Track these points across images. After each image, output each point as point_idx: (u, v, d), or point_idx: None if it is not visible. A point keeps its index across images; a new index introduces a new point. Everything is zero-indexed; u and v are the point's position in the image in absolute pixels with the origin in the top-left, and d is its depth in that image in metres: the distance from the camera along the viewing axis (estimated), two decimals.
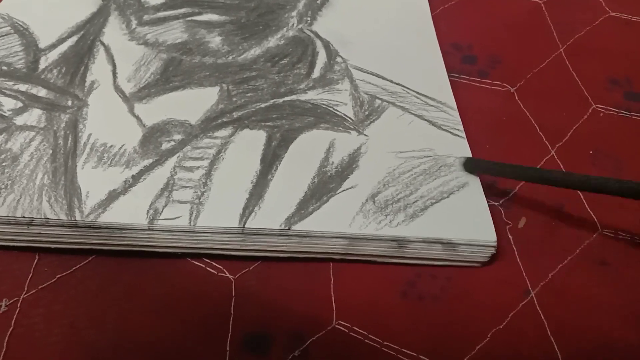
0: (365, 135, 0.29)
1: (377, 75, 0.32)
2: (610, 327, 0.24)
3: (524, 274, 0.25)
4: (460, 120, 0.30)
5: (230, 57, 0.32)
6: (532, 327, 0.23)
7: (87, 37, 0.32)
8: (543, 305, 0.24)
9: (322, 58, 0.33)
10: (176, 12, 0.34)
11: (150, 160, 0.27)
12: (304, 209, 0.25)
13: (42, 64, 0.31)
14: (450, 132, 0.29)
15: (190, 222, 0.24)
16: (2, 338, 0.22)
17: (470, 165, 0.27)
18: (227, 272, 0.25)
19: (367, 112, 0.30)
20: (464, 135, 0.29)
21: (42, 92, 0.29)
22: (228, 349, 0.22)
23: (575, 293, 0.25)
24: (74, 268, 0.24)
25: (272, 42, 0.33)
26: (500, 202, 0.28)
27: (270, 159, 0.27)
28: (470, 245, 0.25)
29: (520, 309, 0.24)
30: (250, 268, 0.25)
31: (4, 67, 0.30)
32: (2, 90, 0.29)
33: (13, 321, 0.22)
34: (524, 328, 0.23)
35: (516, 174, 0.25)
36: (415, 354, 0.22)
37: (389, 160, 0.28)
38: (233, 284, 0.24)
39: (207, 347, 0.22)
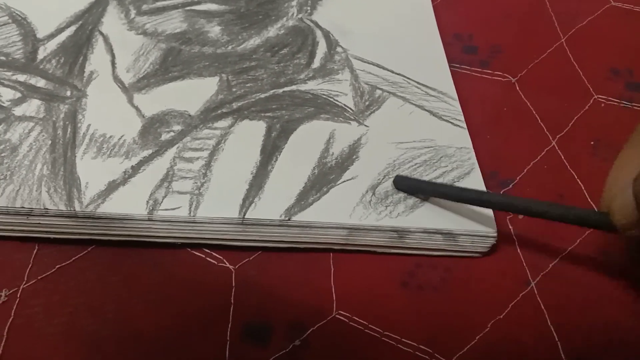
0: (365, 125, 0.29)
1: (378, 66, 0.32)
2: (611, 317, 0.24)
3: (524, 265, 0.25)
4: (461, 110, 0.30)
5: (230, 47, 0.32)
6: (532, 317, 0.24)
7: (86, 26, 0.32)
8: (543, 295, 0.24)
9: (322, 48, 0.33)
10: (175, 1, 0.34)
11: (150, 151, 0.26)
12: (304, 199, 0.25)
13: (41, 54, 0.30)
14: (451, 123, 0.29)
15: (190, 213, 0.24)
16: (2, 328, 0.22)
17: (399, 183, 0.26)
18: (227, 262, 0.25)
19: (367, 103, 0.30)
20: (464, 125, 0.29)
21: (40, 83, 0.29)
22: (228, 339, 0.22)
23: (575, 283, 0.25)
24: (73, 258, 0.24)
25: (272, 31, 0.33)
26: (501, 192, 0.28)
27: (270, 150, 0.27)
28: (470, 235, 0.25)
29: (521, 299, 0.24)
30: (251, 258, 0.25)
31: (2, 57, 0.30)
32: (0, 80, 0.29)
33: (13, 311, 0.22)
34: (524, 318, 0.23)
35: (441, 193, 0.25)
36: (415, 344, 0.23)
37: (389, 151, 0.28)
38: (233, 274, 0.24)
39: (207, 337, 0.22)
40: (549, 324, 0.23)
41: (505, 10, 0.38)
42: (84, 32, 0.32)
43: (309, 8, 0.35)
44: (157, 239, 0.24)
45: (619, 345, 0.23)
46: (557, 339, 0.23)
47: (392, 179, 0.26)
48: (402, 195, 0.26)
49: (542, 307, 0.24)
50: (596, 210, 0.22)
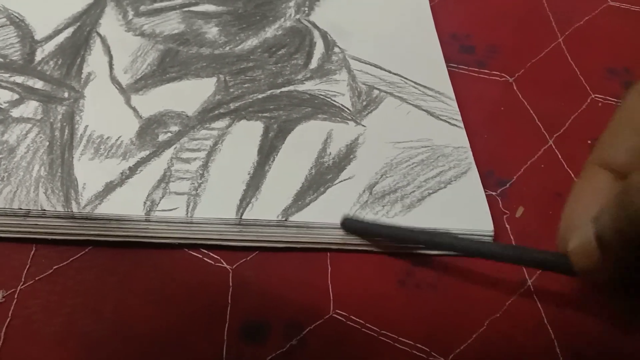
0: (362, 125, 0.29)
1: (375, 66, 0.32)
2: (607, 315, 0.24)
3: None
4: (458, 110, 0.30)
5: (228, 48, 0.32)
6: (529, 316, 0.24)
7: (84, 28, 0.32)
8: (540, 293, 0.24)
9: (319, 48, 0.33)
10: (173, 2, 0.34)
11: (147, 152, 0.26)
12: (301, 200, 0.25)
13: (39, 56, 0.30)
14: (448, 122, 0.29)
15: (187, 214, 0.24)
16: None
17: (346, 225, 0.25)
18: (224, 263, 0.25)
19: (364, 103, 0.30)
20: (462, 125, 0.29)
21: (38, 84, 0.29)
22: (226, 338, 0.22)
23: (571, 282, 0.25)
24: (71, 259, 0.24)
25: (270, 32, 0.33)
26: (498, 191, 0.28)
27: (268, 150, 0.27)
28: (467, 234, 0.25)
29: (517, 298, 0.24)
30: (248, 258, 0.25)
31: (0, 59, 0.30)
32: None
33: (10, 312, 0.22)
34: (521, 316, 0.23)
35: (391, 235, 0.24)
36: (412, 343, 0.23)
37: (386, 151, 0.28)
38: (230, 274, 0.24)
39: (205, 337, 0.22)
40: (546, 322, 0.23)
41: (502, 10, 0.38)
42: (81, 34, 0.32)
43: (306, 9, 0.35)
44: (155, 240, 0.24)
45: (615, 343, 0.23)
46: (553, 337, 0.23)
47: (390, 178, 0.26)
48: (399, 194, 0.26)
49: (539, 306, 0.24)
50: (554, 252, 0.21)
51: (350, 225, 0.25)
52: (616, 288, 0.22)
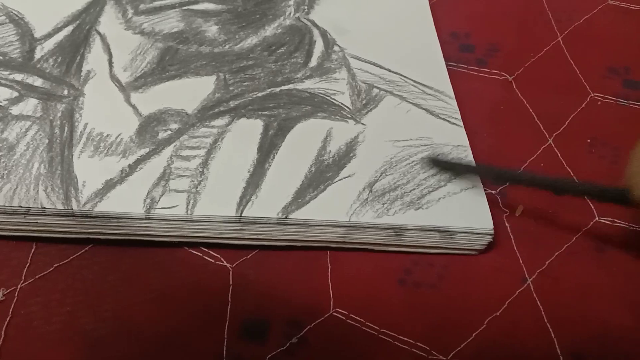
0: (362, 124, 0.29)
1: (375, 64, 0.32)
2: (607, 314, 0.24)
3: (521, 262, 0.25)
4: (457, 108, 0.30)
5: (227, 46, 0.32)
6: (529, 315, 0.24)
7: (83, 26, 0.32)
8: (540, 292, 0.24)
9: (319, 47, 0.33)
10: (172, 1, 0.34)
11: (147, 150, 0.26)
12: (301, 197, 0.25)
13: (38, 54, 0.30)
14: (447, 121, 0.29)
15: (187, 211, 0.24)
16: (0, 327, 0.22)
17: (436, 162, 0.27)
18: (224, 261, 0.25)
19: (364, 101, 0.30)
20: (461, 123, 0.29)
21: (38, 82, 0.29)
22: (226, 336, 0.22)
23: (571, 280, 0.25)
24: (71, 257, 0.24)
25: (269, 31, 0.33)
26: (498, 190, 0.28)
27: (267, 148, 0.27)
28: (467, 233, 0.25)
29: (517, 297, 0.24)
30: (248, 257, 0.25)
31: (0, 57, 0.30)
32: None
33: (11, 310, 0.23)
34: (521, 315, 0.24)
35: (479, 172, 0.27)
36: (412, 341, 0.23)
37: (386, 149, 0.28)
38: (230, 273, 0.24)
39: (205, 335, 0.22)
40: (546, 320, 0.23)
41: (502, 9, 0.38)
42: (81, 32, 0.32)
43: (306, 7, 0.35)
44: (155, 238, 0.25)
45: (615, 341, 0.23)
46: (553, 336, 0.23)
47: (389, 176, 0.26)
48: (398, 192, 0.26)
49: (539, 304, 0.24)
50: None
51: (439, 162, 0.27)
52: None
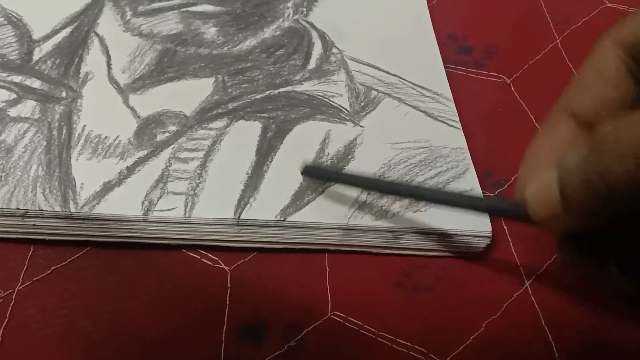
0: (361, 126, 0.29)
1: (373, 67, 0.32)
2: (604, 317, 0.24)
3: (519, 265, 0.25)
4: (456, 111, 0.30)
5: (226, 48, 0.32)
6: (527, 318, 0.24)
7: (82, 28, 0.32)
8: (537, 295, 0.24)
9: (317, 49, 0.33)
10: (171, 2, 0.34)
11: (145, 152, 0.26)
12: (299, 200, 0.25)
13: (36, 55, 0.30)
14: (446, 123, 0.29)
15: (185, 214, 0.24)
16: None
17: (306, 171, 0.26)
18: (222, 263, 0.25)
19: (363, 104, 0.30)
20: (459, 126, 0.29)
21: (36, 84, 0.29)
22: (224, 339, 0.22)
23: (569, 284, 0.25)
24: (69, 259, 0.24)
25: (268, 33, 0.33)
26: (496, 192, 0.28)
27: (266, 150, 0.27)
28: (465, 236, 0.25)
29: (515, 299, 0.24)
30: (246, 259, 0.25)
31: None
32: None
33: (8, 313, 0.22)
34: (519, 318, 0.24)
35: (351, 181, 0.25)
36: (410, 344, 0.23)
37: (384, 152, 0.28)
38: (229, 275, 0.24)
39: (203, 338, 0.22)
40: (543, 324, 0.23)
41: (500, 11, 0.38)
42: (79, 33, 0.32)
43: (304, 9, 0.35)
44: (153, 241, 0.24)
45: (612, 345, 0.23)
46: (551, 339, 0.23)
47: (388, 179, 0.26)
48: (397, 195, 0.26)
49: (537, 307, 0.24)
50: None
51: (310, 171, 0.26)
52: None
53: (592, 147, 0.15)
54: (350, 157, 0.27)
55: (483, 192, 0.27)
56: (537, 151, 0.19)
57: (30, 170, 0.25)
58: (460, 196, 0.22)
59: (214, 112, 0.29)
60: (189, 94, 0.29)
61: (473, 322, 0.23)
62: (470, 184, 0.27)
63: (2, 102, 0.28)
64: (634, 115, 0.15)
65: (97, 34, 0.32)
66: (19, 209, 0.24)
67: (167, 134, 0.27)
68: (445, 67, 0.33)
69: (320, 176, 0.26)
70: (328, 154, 0.27)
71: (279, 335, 0.23)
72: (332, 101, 0.30)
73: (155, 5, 0.34)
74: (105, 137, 0.27)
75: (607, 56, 0.19)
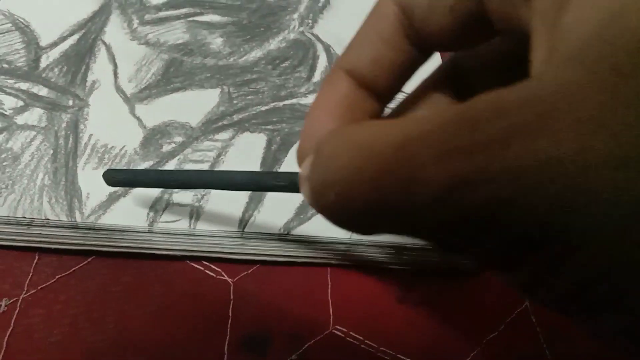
0: None
1: None
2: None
3: None
4: None
5: (232, 59, 0.32)
6: (526, 335, 0.24)
7: (89, 35, 0.32)
8: (537, 313, 0.25)
9: (322, 62, 0.33)
10: (178, 12, 0.34)
11: (151, 162, 0.27)
12: (303, 213, 0.25)
13: (43, 63, 0.30)
14: None
15: (190, 226, 0.24)
16: (1, 338, 0.22)
17: (108, 178, 0.24)
18: (225, 275, 0.25)
19: None
20: None
21: (43, 91, 0.29)
22: (226, 351, 0.23)
23: None
24: (73, 268, 0.24)
25: (273, 44, 0.33)
26: None
27: (270, 163, 0.27)
28: None
29: (515, 317, 0.24)
30: (249, 271, 0.25)
31: (5, 65, 0.30)
32: (2, 88, 0.29)
33: (13, 321, 0.23)
34: (518, 336, 0.24)
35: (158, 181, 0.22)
36: None
37: None
38: (231, 287, 0.24)
39: (206, 349, 0.23)
40: (542, 342, 0.24)
41: None
42: (86, 41, 0.32)
43: (310, 21, 0.35)
44: (157, 251, 0.25)
45: None
46: (549, 358, 0.23)
47: None
48: None
49: (536, 326, 0.24)
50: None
51: (110, 177, 0.23)
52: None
53: (313, 160, 0.13)
54: None
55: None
56: (315, 112, 0.18)
57: (36, 179, 0.25)
58: (234, 174, 0.19)
59: (220, 123, 0.29)
60: (194, 104, 0.30)
61: (473, 339, 0.24)
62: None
63: (9, 109, 0.28)
64: (350, 133, 0.12)
65: (104, 42, 0.32)
66: (24, 217, 0.24)
67: (173, 145, 0.28)
68: None
69: (124, 180, 0.23)
70: None
71: (281, 349, 0.23)
72: None
73: (162, 14, 0.34)
74: (112, 147, 0.27)
75: (385, 12, 0.17)
